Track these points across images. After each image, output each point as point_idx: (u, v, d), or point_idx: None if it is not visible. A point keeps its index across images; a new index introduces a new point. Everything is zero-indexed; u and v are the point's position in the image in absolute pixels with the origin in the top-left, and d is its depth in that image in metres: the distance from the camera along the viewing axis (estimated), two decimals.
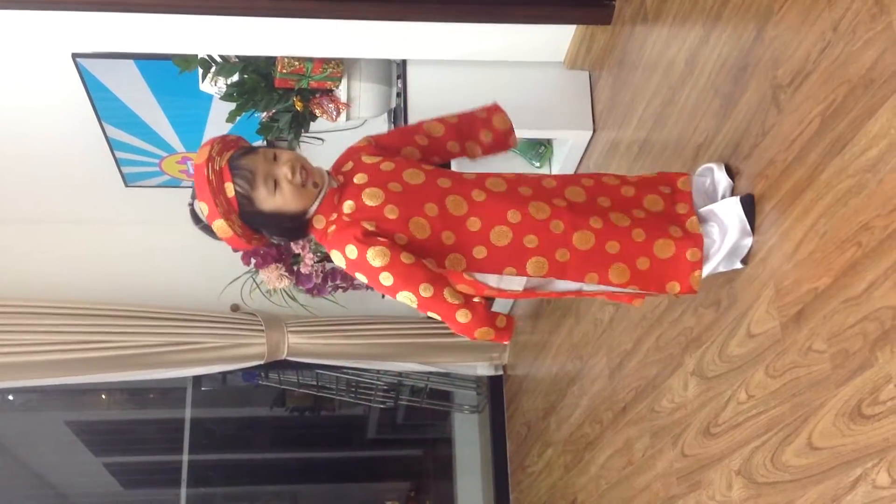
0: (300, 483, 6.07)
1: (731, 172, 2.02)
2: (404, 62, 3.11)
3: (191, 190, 1.81)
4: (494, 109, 2.09)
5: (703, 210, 1.95)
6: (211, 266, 3.72)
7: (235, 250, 1.96)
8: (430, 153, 1.98)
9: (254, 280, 3.82)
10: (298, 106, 3.19)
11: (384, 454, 6.11)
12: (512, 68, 3.09)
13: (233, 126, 3.27)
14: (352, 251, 1.77)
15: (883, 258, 1.50)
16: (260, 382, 4.52)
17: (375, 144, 1.96)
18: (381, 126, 3.42)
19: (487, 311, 1.85)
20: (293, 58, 3.02)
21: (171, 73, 3.07)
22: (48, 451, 5.84)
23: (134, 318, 3.93)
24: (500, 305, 3.52)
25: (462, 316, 1.82)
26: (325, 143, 3.45)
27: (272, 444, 6.07)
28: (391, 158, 1.90)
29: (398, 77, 3.16)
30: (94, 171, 3.81)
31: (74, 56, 3.10)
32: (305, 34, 2.84)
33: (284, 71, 3.03)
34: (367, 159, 1.91)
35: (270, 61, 3.09)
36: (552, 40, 2.98)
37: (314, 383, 4.54)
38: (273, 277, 3.63)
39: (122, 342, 3.88)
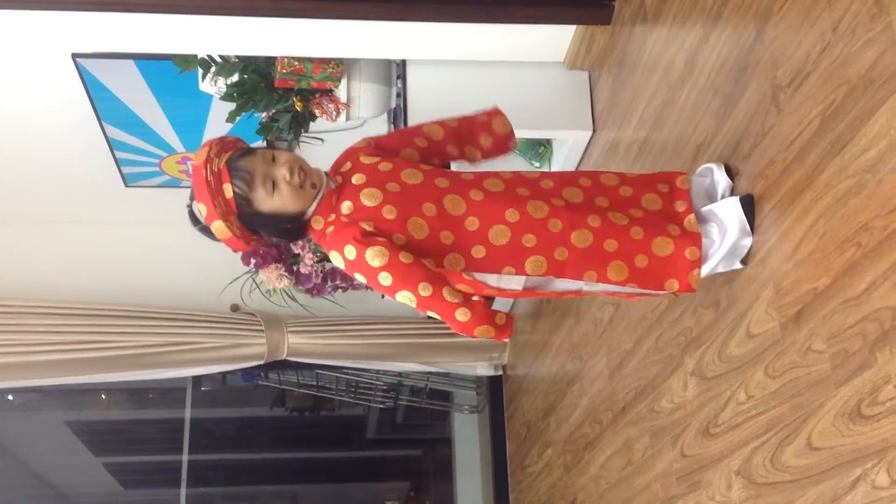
0: (300, 483, 6.07)
1: (730, 172, 2.02)
2: (404, 62, 3.11)
3: (189, 191, 1.81)
4: (495, 113, 2.09)
5: (702, 210, 1.95)
6: (211, 266, 3.72)
7: (234, 251, 1.95)
8: (429, 155, 1.98)
9: (253, 280, 3.82)
10: (298, 106, 3.19)
11: (384, 454, 6.11)
12: (512, 68, 3.09)
13: (233, 126, 3.27)
14: (350, 251, 1.78)
15: (882, 258, 1.50)
16: (260, 382, 4.52)
17: (374, 145, 1.96)
18: (380, 126, 3.42)
19: (487, 309, 1.86)
20: (293, 58, 3.02)
21: (171, 73, 3.07)
22: (48, 451, 5.84)
23: (134, 319, 3.93)
24: (500, 305, 3.52)
25: (461, 314, 1.83)
26: (325, 144, 3.45)
27: (272, 444, 6.08)
28: (389, 159, 1.91)
29: (398, 77, 3.16)
30: (94, 171, 3.82)
31: (74, 56, 3.10)
32: (305, 34, 2.84)
33: (284, 71, 3.03)
34: (365, 160, 1.91)
35: (270, 61, 3.09)
36: (552, 40, 2.98)
37: (314, 383, 4.55)
38: (273, 277, 3.64)
39: (121, 342, 3.88)
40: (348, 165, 1.91)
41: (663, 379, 2.44)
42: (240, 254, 3.59)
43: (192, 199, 1.81)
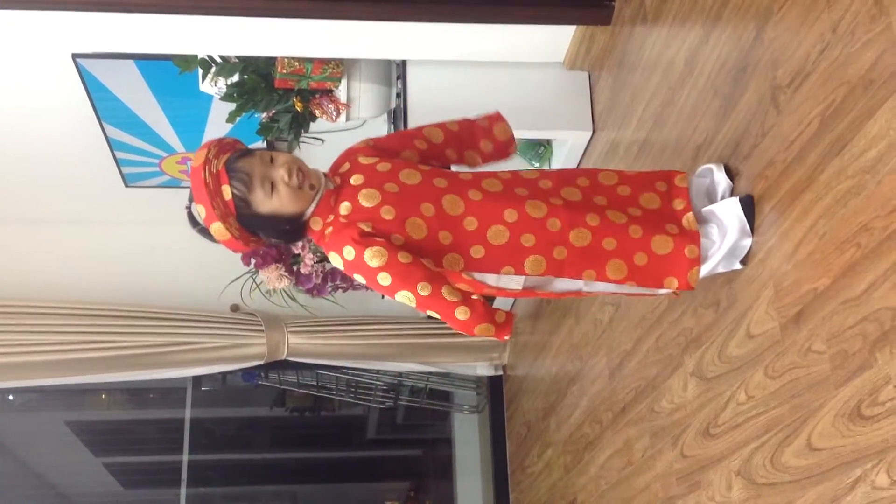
0: (300, 483, 6.07)
1: (730, 173, 2.02)
2: (404, 63, 3.11)
3: (188, 193, 1.81)
4: (496, 118, 2.08)
5: (702, 210, 1.95)
6: (211, 266, 3.72)
7: (233, 252, 1.96)
8: (428, 158, 1.98)
9: (254, 280, 3.82)
10: (298, 106, 3.19)
11: (384, 454, 6.11)
12: (511, 69, 3.09)
13: (233, 127, 3.27)
14: (349, 252, 1.78)
15: (882, 259, 1.50)
16: (260, 382, 4.52)
17: (374, 146, 1.96)
18: (380, 126, 3.42)
19: (486, 307, 1.86)
20: (293, 58, 3.02)
21: (171, 73, 3.07)
22: (48, 451, 5.84)
23: (134, 319, 3.93)
24: (500, 305, 3.52)
25: (461, 313, 1.83)
26: (325, 144, 3.45)
27: (272, 445, 6.08)
28: (388, 159, 1.91)
29: (398, 77, 3.16)
30: (94, 172, 3.82)
31: (74, 56, 3.10)
32: (305, 35, 2.84)
33: (284, 71, 3.03)
34: (363, 160, 1.91)
35: (270, 62, 3.09)
36: (552, 41, 2.98)
37: (314, 383, 4.54)
38: (273, 278, 3.64)
39: (122, 342, 3.88)
40: (347, 166, 1.92)
41: (663, 379, 2.44)
42: (239, 254, 3.59)
43: (190, 200, 1.81)
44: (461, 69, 3.08)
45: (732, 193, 1.99)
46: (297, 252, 3.65)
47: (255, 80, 3.10)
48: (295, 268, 3.67)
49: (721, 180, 2.01)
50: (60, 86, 3.31)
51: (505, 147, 2.08)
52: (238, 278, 3.85)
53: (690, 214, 1.92)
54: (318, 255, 3.64)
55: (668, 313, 2.41)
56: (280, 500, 6.27)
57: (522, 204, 1.85)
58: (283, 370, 4.41)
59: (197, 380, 4.65)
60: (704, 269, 1.91)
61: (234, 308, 4.13)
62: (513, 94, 3.06)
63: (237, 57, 3.10)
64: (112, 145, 3.61)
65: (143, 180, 3.91)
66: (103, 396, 5.63)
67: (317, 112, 3.23)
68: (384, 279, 1.78)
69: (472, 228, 1.83)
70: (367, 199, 1.81)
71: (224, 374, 4.33)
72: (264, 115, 3.26)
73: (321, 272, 3.69)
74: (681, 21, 2.33)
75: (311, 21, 2.75)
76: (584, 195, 1.92)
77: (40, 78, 3.32)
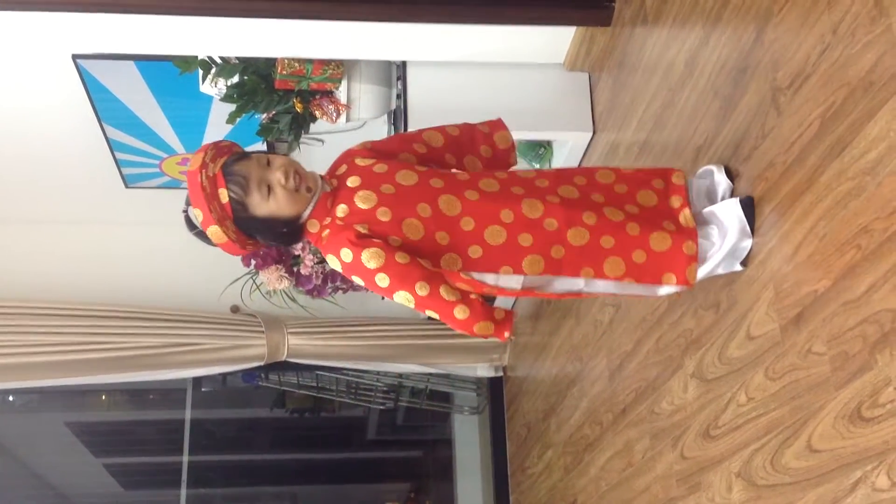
0: (300, 484, 6.07)
1: (730, 174, 2.02)
2: (404, 63, 3.11)
3: (185, 196, 1.81)
4: (497, 126, 2.08)
5: (703, 212, 1.95)
6: (211, 267, 3.72)
7: (231, 255, 1.95)
8: (426, 161, 1.98)
9: (254, 281, 3.82)
10: (298, 107, 3.19)
11: (384, 455, 6.11)
12: (512, 70, 3.09)
13: (233, 128, 3.27)
14: (347, 254, 1.78)
15: (882, 261, 1.50)
16: (260, 384, 4.52)
17: (372, 149, 1.96)
18: (380, 128, 3.42)
19: (485, 306, 1.86)
20: (293, 59, 3.03)
21: (172, 74, 3.07)
22: (48, 451, 5.84)
23: (134, 320, 3.93)
24: (501, 304, 3.51)
25: (460, 312, 1.83)
26: (325, 145, 3.45)
27: (272, 446, 6.08)
28: (385, 160, 1.91)
29: (398, 78, 3.16)
30: (94, 172, 3.82)
31: (75, 57, 3.10)
32: (305, 36, 2.84)
33: (284, 72, 3.03)
34: (360, 162, 1.91)
35: (270, 63, 3.09)
36: (552, 42, 2.98)
37: (314, 384, 4.54)
38: (273, 279, 3.64)
39: (122, 343, 3.87)
40: (344, 168, 1.92)
41: (664, 381, 2.44)
42: (237, 257, 3.59)
43: (187, 204, 1.81)
44: (461, 70, 3.08)
45: (733, 195, 1.99)
46: (297, 253, 3.65)
47: (256, 82, 3.10)
48: (295, 269, 3.67)
49: (721, 181, 2.01)
50: (60, 86, 3.31)
51: (506, 156, 2.07)
52: (238, 279, 3.85)
53: (687, 211, 1.91)
54: (318, 256, 3.64)
55: (668, 315, 2.41)
56: (280, 501, 6.27)
57: (519, 204, 1.84)
58: (283, 371, 4.41)
59: (197, 381, 4.65)
60: (704, 270, 1.91)
61: (235, 309, 4.13)
62: (513, 96, 3.06)
63: (237, 58, 3.10)
64: (112, 146, 3.61)
65: (143, 181, 3.91)
66: (103, 397, 5.63)
67: (317, 113, 3.23)
68: (382, 280, 1.78)
69: (469, 228, 1.82)
70: (363, 201, 1.81)
71: (224, 375, 4.32)
72: (264, 116, 3.26)
73: (321, 273, 3.69)
74: (681, 22, 2.33)
75: (312, 22, 2.75)
76: (582, 193, 1.92)
77: (40, 78, 3.32)
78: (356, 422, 5.69)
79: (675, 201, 1.94)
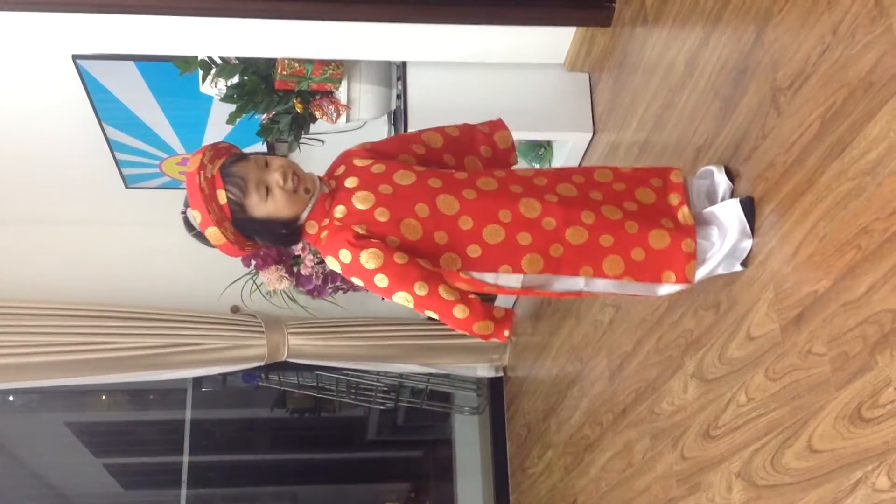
0: (300, 484, 6.07)
1: (730, 175, 2.02)
2: (404, 64, 3.11)
3: (183, 198, 1.81)
4: (497, 126, 2.08)
5: (703, 212, 1.95)
6: (211, 267, 3.71)
7: (230, 257, 1.96)
8: (425, 162, 1.98)
9: (254, 281, 3.82)
10: (298, 108, 3.19)
11: (384, 455, 6.11)
12: (512, 70, 3.09)
13: (233, 128, 3.27)
14: (345, 255, 1.78)
15: (882, 261, 1.50)
16: (260, 384, 4.52)
17: (370, 149, 1.96)
18: (381, 128, 3.42)
19: (484, 305, 1.86)
20: (293, 59, 3.03)
21: (172, 74, 3.07)
22: (48, 451, 5.85)
23: (134, 320, 3.93)
24: (501, 304, 3.52)
25: (459, 311, 1.83)
26: (325, 145, 3.45)
27: (272, 446, 6.08)
28: (383, 161, 1.91)
29: (398, 79, 3.16)
30: (94, 172, 3.82)
31: (75, 57, 3.10)
32: (305, 36, 2.84)
33: (284, 73, 3.03)
34: (358, 162, 1.91)
35: (270, 63, 3.09)
36: (552, 42, 2.98)
37: (314, 385, 4.54)
38: (273, 279, 3.64)
39: (122, 343, 3.88)
40: (342, 169, 1.92)
41: (664, 381, 2.44)
42: (237, 258, 3.59)
43: (186, 205, 1.82)
44: (461, 70, 3.08)
45: (733, 195, 1.99)
46: (297, 254, 3.65)
47: (256, 82, 3.10)
48: (295, 269, 3.67)
49: (721, 182, 2.01)
50: (61, 87, 3.31)
51: (506, 156, 2.07)
52: (238, 279, 3.85)
53: (686, 209, 1.91)
54: (318, 256, 3.64)
55: (668, 315, 2.41)
56: (280, 501, 6.28)
57: (517, 203, 1.84)
58: (283, 371, 4.41)
59: (197, 381, 4.65)
60: (705, 271, 1.91)
61: (235, 309, 4.13)
62: (513, 96, 3.06)
63: (237, 58, 3.10)
64: (112, 146, 3.61)
65: (143, 181, 3.91)
66: (103, 397, 5.63)
67: (317, 113, 3.23)
68: (381, 280, 1.78)
69: (467, 228, 1.82)
70: (361, 202, 1.81)
71: (224, 375, 4.32)
72: (264, 116, 3.26)
73: (321, 273, 3.69)
74: (681, 23, 2.33)
75: (312, 22, 2.75)
76: (580, 191, 1.92)
77: (40, 79, 3.32)
78: (356, 422, 5.69)
79: (674, 199, 1.94)
